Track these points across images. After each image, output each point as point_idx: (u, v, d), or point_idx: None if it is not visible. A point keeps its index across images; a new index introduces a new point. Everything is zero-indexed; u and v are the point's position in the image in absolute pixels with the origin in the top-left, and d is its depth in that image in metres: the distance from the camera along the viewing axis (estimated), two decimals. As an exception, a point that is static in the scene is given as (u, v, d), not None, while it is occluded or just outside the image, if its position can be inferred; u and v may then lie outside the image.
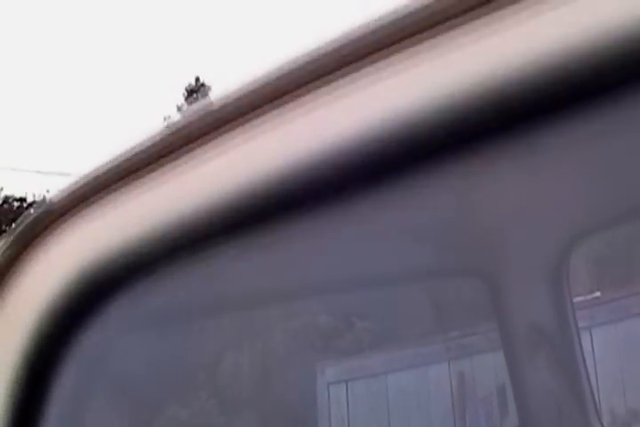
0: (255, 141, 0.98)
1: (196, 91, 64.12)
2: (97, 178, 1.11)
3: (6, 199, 24.69)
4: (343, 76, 0.90)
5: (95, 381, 1.33)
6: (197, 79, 64.00)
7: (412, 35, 0.84)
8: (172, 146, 1.04)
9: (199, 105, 1.09)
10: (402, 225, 1.67)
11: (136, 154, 1.07)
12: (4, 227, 22.89)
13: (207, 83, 63.21)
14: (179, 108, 64.75)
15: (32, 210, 1.24)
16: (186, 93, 64.33)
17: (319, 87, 0.91)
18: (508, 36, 0.79)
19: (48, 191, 24.99)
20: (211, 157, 1.01)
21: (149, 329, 1.55)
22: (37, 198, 24.52)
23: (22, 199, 25.14)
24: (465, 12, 0.81)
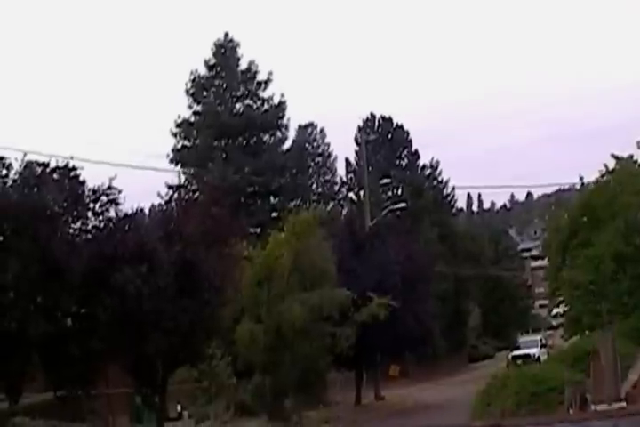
0: None
1: (224, 46, 64.10)
2: None
3: None
4: None
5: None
6: (226, 35, 63.98)
7: None
8: None
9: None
10: None
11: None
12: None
13: (236, 39, 63.41)
14: (206, 63, 64.80)
15: None
16: (214, 48, 64.21)
17: None
18: None
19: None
20: None
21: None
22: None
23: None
24: None
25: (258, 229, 55.81)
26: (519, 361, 53.30)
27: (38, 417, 31.53)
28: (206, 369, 34.76)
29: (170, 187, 60.00)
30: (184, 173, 59.71)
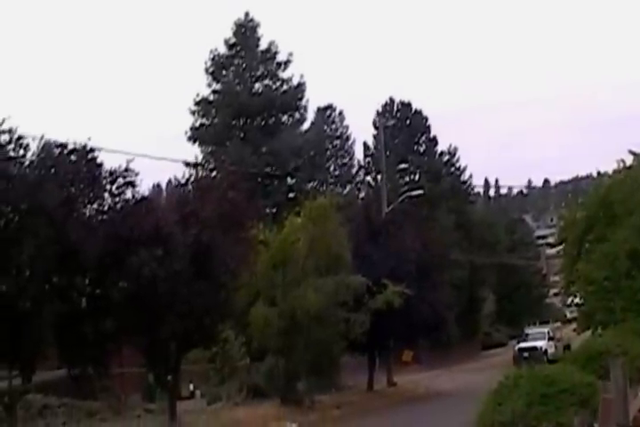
0: None
1: (244, 26, 63.96)
2: None
3: None
4: None
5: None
6: (247, 14, 63.87)
7: None
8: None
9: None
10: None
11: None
12: None
13: (256, 19, 63.29)
14: (226, 42, 64.69)
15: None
16: (234, 28, 64.09)
17: None
18: None
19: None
20: None
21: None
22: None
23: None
24: None
25: (274, 210, 55.89)
26: (526, 354, 53.11)
27: (51, 394, 31.83)
28: (219, 351, 34.93)
29: (187, 164, 60.20)
30: (199, 165, 59.63)
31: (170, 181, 61.39)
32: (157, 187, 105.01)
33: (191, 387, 40.52)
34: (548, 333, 58.18)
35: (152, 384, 34.08)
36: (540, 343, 54.85)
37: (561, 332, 60.05)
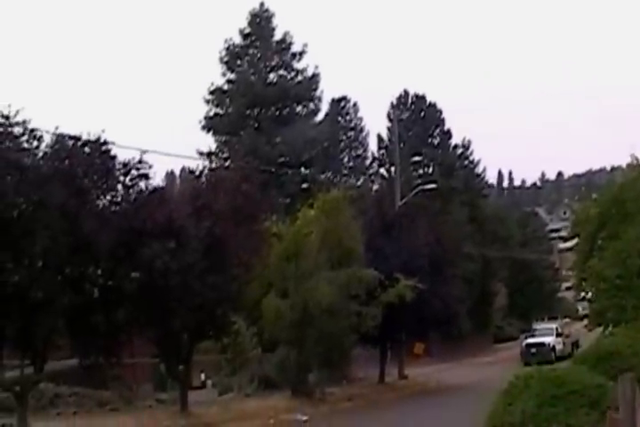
0: None
1: (259, 16, 63.86)
2: None
3: None
4: None
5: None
6: (262, 4, 63.81)
7: None
8: None
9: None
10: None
11: None
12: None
13: (271, 9, 63.28)
14: (241, 32, 64.63)
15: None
16: (249, 17, 64.00)
17: None
18: None
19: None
20: None
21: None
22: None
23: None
24: None
25: (287, 200, 55.96)
26: (533, 349, 52.71)
27: (62, 384, 31.97)
28: (231, 342, 35.00)
29: (201, 153, 60.34)
30: (211, 156, 59.65)
31: (183, 169, 61.72)
32: (171, 174, 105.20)
33: (202, 377, 40.64)
34: (557, 329, 57.28)
35: (163, 374, 34.18)
36: (548, 339, 54.05)
37: (569, 328, 59.16)
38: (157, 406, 32.63)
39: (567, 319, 62.00)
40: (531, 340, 55.07)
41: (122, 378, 34.13)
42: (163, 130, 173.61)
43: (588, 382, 11.95)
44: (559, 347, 53.97)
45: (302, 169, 63.02)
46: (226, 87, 63.28)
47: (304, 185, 58.79)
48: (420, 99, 75.22)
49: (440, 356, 56.66)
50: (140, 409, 31.28)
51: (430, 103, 75.08)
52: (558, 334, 56.01)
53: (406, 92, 75.61)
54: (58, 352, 27.58)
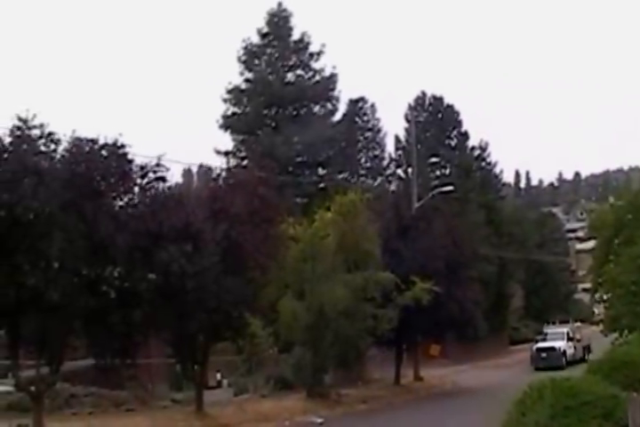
0: None
1: (277, 15, 63.88)
2: None
3: None
4: None
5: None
6: (280, 4, 63.85)
7: None
8: None
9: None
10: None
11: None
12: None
13: (289, 9, 63.34)
14: (259, 32, 64.62)
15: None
16: (267, 17, 64.05)
17: None
18: None
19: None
20: None
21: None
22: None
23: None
24: None
25: (305, 200, 55.93)
26: (544, 354, 51.60)
27: (78, 384, 32.12)
28: (247, 343, 35.08)
29: (218, 152, 60.46)
30: (230, 153, 59.66)
31: (201, 166, 61.80)
32: (188, 172, 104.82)
33: (218, 376, 40.72)
34: (568, 333, 55.36)
35: (179, 374, 34.27)
36: (559, 344, 52.76)
37: (581, 332, 58.03)
38: (173, 406, 32.77)
39: (579, 323, 60.88)
40: (541, 344, 53.68)
41: (137, 378, 34.24)
42: (181, 129, 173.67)
43: (601, 392, 11.90)
44: (570, 351, 52.85)
45: (319, 169, 63.05)
46: (244, 86, 63.37)
47: (321, 185, 58.73)
48: (437, 100, 75.20)
49: (456, 357, 56.53)
50: (155, 409, 31.42)
51: (448, 105, 75.07)
52: (569, 339, 54.54)
53: (424, 94, 75.65)
54: (74, 353, 27.67)
